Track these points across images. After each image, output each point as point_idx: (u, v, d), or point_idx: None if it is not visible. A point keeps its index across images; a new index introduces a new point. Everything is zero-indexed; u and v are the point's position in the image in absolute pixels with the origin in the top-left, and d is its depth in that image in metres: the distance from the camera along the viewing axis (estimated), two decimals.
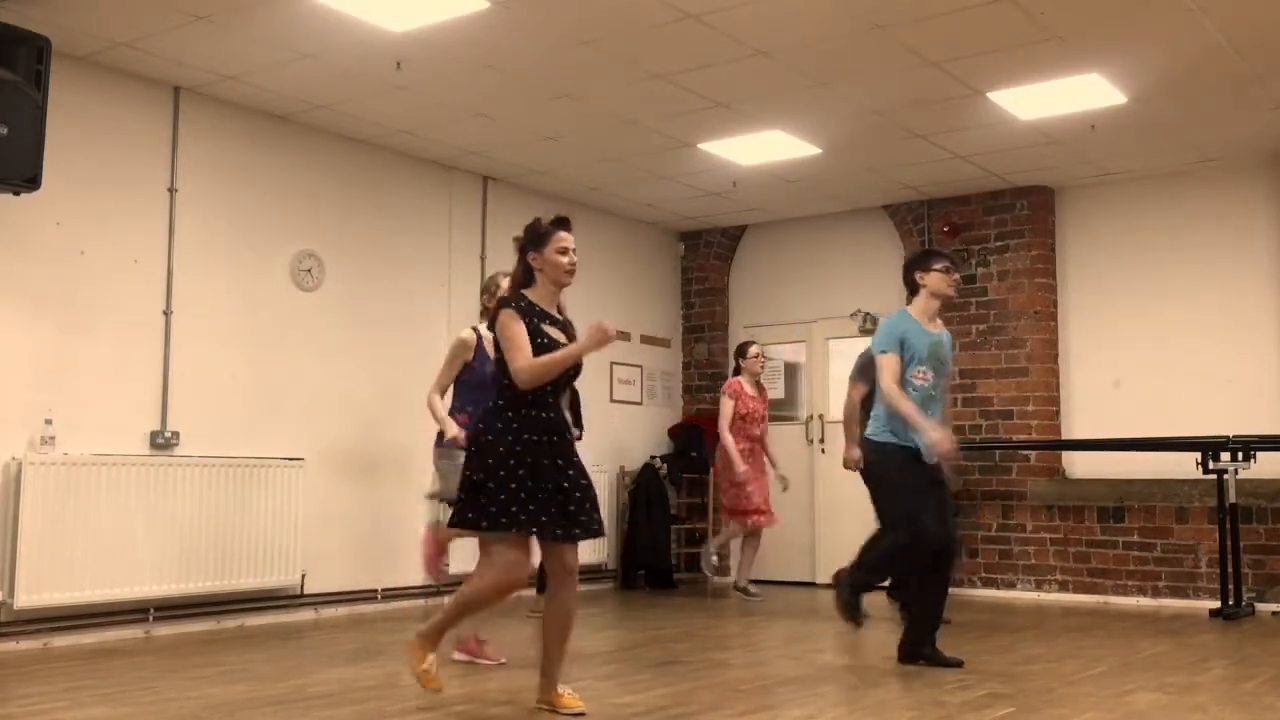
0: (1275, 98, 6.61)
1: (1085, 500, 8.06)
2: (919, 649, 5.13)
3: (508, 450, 3.88)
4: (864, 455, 5.44)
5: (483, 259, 8.22)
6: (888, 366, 5.12)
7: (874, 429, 5.23)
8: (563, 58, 5.99)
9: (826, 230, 9.41)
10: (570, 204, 8.97)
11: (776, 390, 9.61)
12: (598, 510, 4.03)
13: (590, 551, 8.79)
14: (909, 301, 5.32)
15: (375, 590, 7.27)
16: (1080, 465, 8.33)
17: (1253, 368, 7.75)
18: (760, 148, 7.55)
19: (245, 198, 6.80)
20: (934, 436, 5.00)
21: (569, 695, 4.05)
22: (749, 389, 8.17)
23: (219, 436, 6.54)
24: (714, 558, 8.53)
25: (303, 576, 6.78)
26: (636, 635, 6.34)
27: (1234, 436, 7.14)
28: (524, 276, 4.09)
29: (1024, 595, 8.19)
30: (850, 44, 5.80)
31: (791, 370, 9.72)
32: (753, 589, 8.19)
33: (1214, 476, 7.15)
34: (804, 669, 5.14)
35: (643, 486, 9.09)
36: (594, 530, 4.00)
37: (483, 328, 5.17)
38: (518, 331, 3.91)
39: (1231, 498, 7.09)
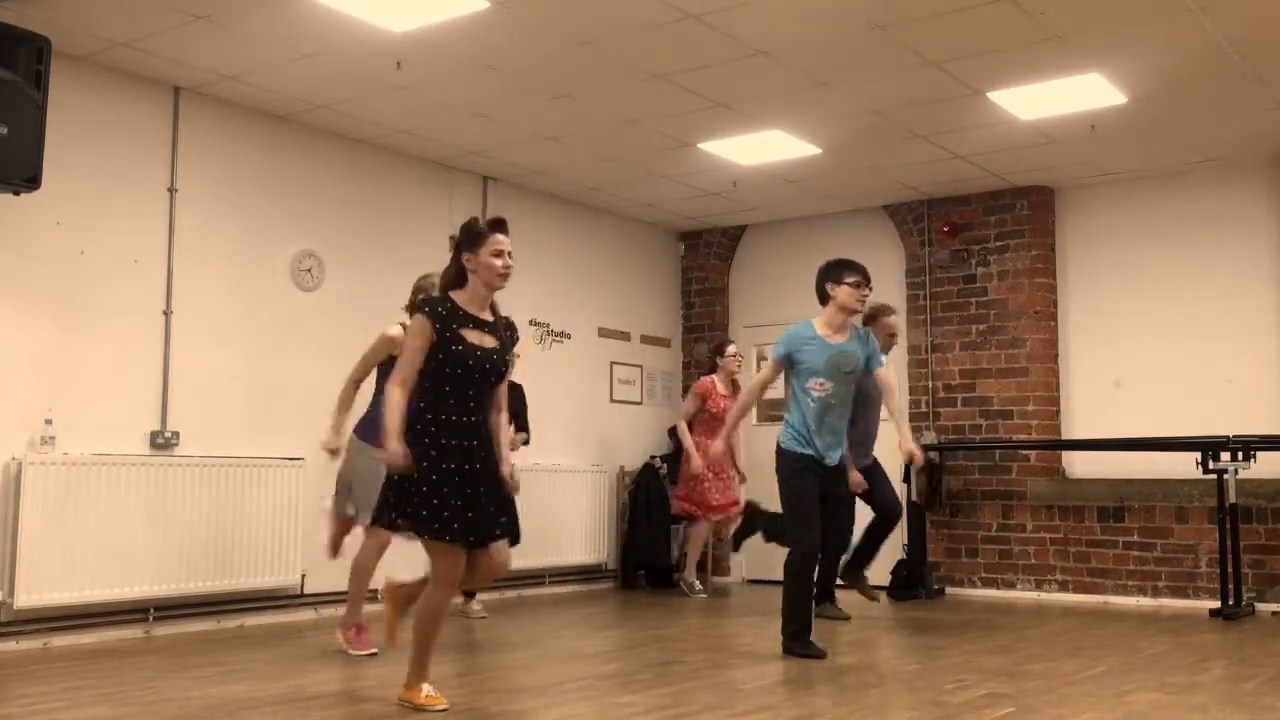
0: (1275, 98, 6.61)
1: (1085, 500, 8.06)
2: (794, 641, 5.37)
3: (425, 454, 3.88)
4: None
5: None
6: (758, 374, 5.54)
7: (781, 433, 5.50)
8: (563, 58, 5.99)
9: (826, 230, 9.40)
10: (570, 204, 8.98)
11: (776, 390, 9.58)
12: (514, 516, 4.14)
13: (590, 551, 8.81)
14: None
15: (375, 590, 7.25)
16: (1080, 465, 8.33)
17: (1253, 368, 7.75)
18: (760, 148, 7.55)
19: (245, 198, 6.80)
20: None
21: (435, 695, 4.11)
22: (721, 389, 8.23)
23: (219, 436, 6.53)
24: (696, 584, 8.35)
25: (303, 576, 6.77)
26: (636, 635, 6.34)
27: (1234, 436, 7.13)
28: (456, 277, 4.06)
29: (1024, 595, 8.19)
30: (850, 44, 5.80)
31: None
32: (699, 585, 8.28)
33: (1214, 476, 7.15)
34: (804, 669, 5.14)
35: (643, 486, 9.08)
36: (512, 533, 4.08)
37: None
38: (415, 347, 3.93)
39: (1231, 498, 7.09)
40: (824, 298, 5.50)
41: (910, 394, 8.83)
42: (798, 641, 5.37)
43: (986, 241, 8.63)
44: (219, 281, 6.63)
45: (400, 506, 3.90)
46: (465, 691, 4.43)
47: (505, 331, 4.15)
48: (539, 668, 5.21)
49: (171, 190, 6.45)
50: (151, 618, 6.15)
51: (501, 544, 4.07)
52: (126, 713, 4.08)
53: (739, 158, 7.75)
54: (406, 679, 4.11)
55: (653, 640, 6.05)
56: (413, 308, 5.35)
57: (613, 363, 9.35)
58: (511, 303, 8.22)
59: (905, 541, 8.30)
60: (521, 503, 7.64)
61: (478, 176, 8.24)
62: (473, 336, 3.99)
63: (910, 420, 8.71)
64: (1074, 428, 8.40)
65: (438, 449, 3.91)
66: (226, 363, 6.63)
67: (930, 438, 8.54)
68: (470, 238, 4.04)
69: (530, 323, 8.56)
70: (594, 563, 8.87)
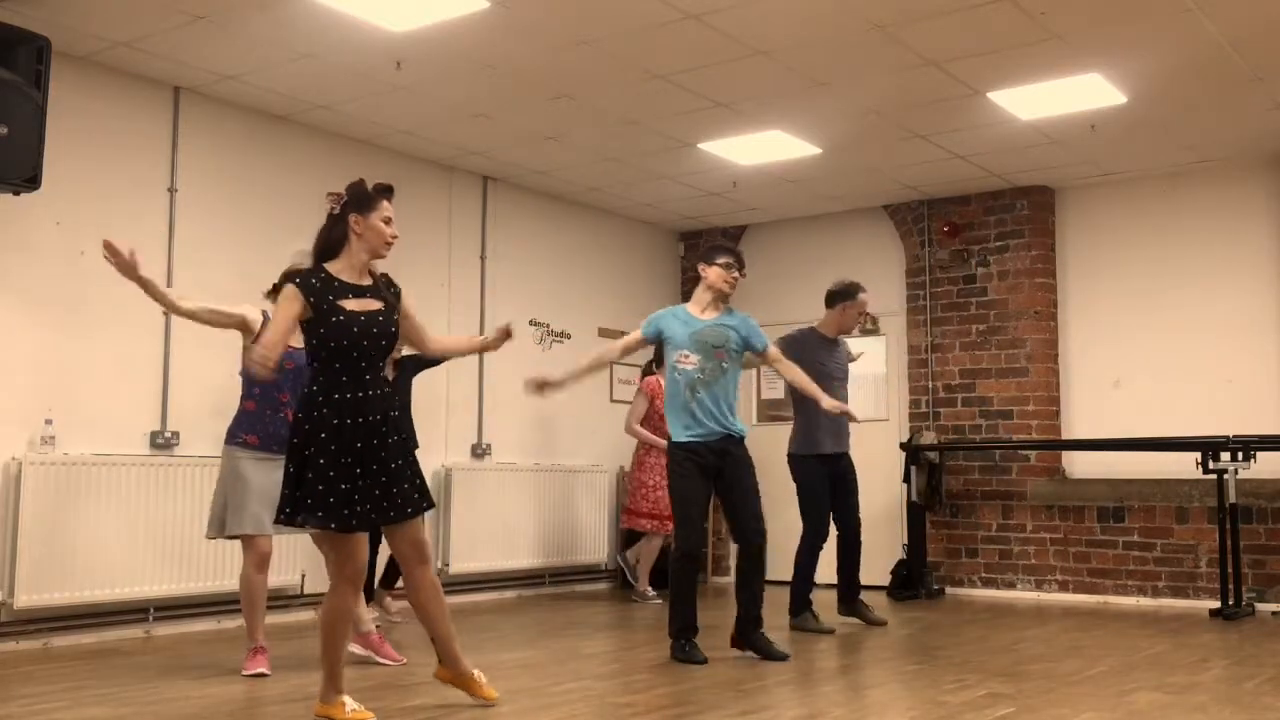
0: (1275, 98, 6.61)
1: (1085, 500, 8.06)
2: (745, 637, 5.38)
3: (325, 439, 3.67)
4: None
5: (483, 259, 8.22)
6: (627, 336, 5.69)
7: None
8: (563, 58, 5.99)
9: (826, 230, 9.41)
10: (570, 204, 8.98)
11: (776, 390, 9.61)
12: (421, 484, 3.87)
13: (590, 551, 8.80)
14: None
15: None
16: (1080, 465, 8.33)
17: (1253, 368, 7.75)
18: (760, 148, 7.55)
19: (245, 198, 6.80)
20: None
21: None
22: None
23: (219, 436, 6.50)
24: (650, 590, 7.99)
25: (303, 576, 6.77)
26: (636, 635, 6.34)
27: (1234, 436, 7.13)
28: (336, 241, 3.84)
29: (1024, 595, 8.19)
30: (850, 44, 5.80)
31: None
32: (652, 592, 7.96)
33: (1214, 476, 7.15)
34: (804, 669, 5.14)
35: None
36: (421, 505, 3.84)
37: (270, 308, 4.80)
38: (285, 317, 3.72)
39: (1231, 498, 7.09)
40: (695, 278, 5.66)
41: (910, 394, 8.84)
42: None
43: (986, 241, 8.63)
44: (219, 281, 6.62)
45: (299, 501, 3.68)
46: (462, 691, 4.42)
47: (388, 289, 3.92)
48: (539, 668, 5.20)
49: (171, 190, 6.45)
50: (151, 618, 6.15)
51: (414, 522, 3.86)
52: (126, 713, 4.08)
53: (739, 158, 7.75)
54: (321, 693, 3.86)
55: (653, 640, 6.05)
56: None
57: (612, 363, 9.33)
58: (512, 303, 8.30)
59: (905, 541, 8.30)
60: (521, 501, 7.62)
61: (478, 176, 8.25)
62: (353, 305, 3.76)
63: (910, 420, 8.76)
64: (1074, 428, 8.40)
65: (329, 431, 3.69)
66: (226, 363, 6.61)
67: (930, 437, 8.54)
68: (363, 199, 3.84)
69: (530, 323, 8.56)
70: (593, 562, 8.87)
